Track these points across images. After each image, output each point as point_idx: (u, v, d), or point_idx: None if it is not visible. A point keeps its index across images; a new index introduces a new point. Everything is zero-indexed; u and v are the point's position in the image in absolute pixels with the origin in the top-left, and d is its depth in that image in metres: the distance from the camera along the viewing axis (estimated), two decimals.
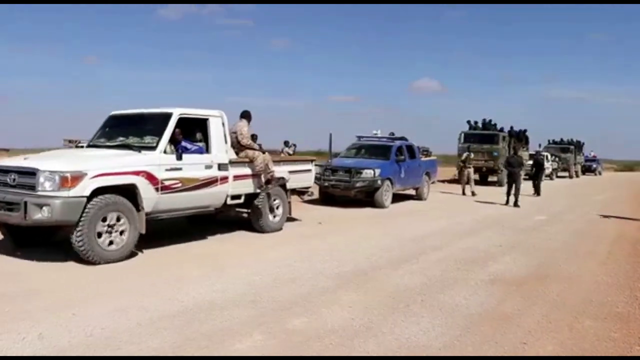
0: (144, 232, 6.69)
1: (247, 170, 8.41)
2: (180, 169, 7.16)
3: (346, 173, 13.26)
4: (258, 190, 8.59)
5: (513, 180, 14.89)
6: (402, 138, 15.80)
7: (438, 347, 4.04)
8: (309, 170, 10.13)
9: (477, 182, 23.38)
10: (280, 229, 9.10)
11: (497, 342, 4.17)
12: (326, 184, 13.48)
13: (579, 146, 39.29)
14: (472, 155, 18.62)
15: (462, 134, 24.71)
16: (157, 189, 6.86)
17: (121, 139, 7.50)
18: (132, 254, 6.71)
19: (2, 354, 3.67)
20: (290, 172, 9.48)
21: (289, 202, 9.50)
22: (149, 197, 6.76)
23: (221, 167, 7.86)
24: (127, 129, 7.70)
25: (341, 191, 13.45)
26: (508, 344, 4.16)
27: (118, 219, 6.41)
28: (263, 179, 8.55)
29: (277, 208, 9.15)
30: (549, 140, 37.67)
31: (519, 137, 26.42)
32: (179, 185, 7.16)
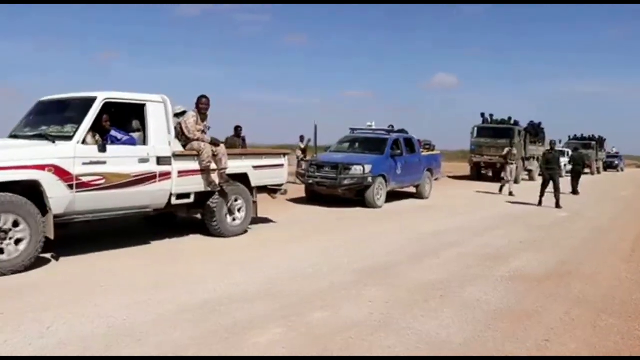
0: (52, 237, 5.79)
1: (198, 165, 7.32)
2: (104, 162, 6.16)
3: (333, 169, 11.97)
4: (213, 189, 7.49)
5: (551, 179, 13.41)
6: (401, 131, 14.65)
7: (458, 343, 4.02)
8: (281, 166, 8.77)
9: (489, 179, 22.67)
10: (244, 232, 8.05)
11: (519, 339, 4.13)
12: (311, 181, 12.24)
13: (600, 142, 38.66)
14: (515, 151, 17.11)
15: (475, 128, 23.58)
16: (71, 187, 5.84)
17: (43, 127, 6.46)
18: (148, 252, 6.77)
19: (29, 343, 3.73)
20: (256, 167, 8.28)
21: (255, 202, 8.37)
22: (60, 196, 5.77)
23: (161, 160, 6.80)
24: (52, 117, 6.69)
25: (327, 189, 12.14)
26: (530, 341, 4.11)
27: (16, 223, 5.45)
28: (217, 175, 7.44)
29: (239, 210, 8.00)
30: (569, 136, 37.22)
31: (536, 131, 25.37)
32: (102, 181, 6.14)
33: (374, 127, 14.63)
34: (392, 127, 14.85)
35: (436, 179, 15.82)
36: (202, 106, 7.60)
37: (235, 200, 7.94)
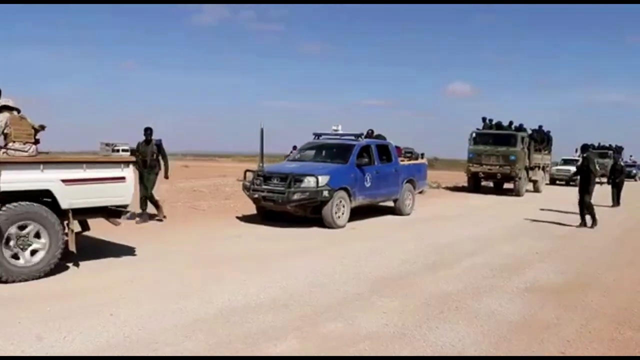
0: None
1: None
2: None
3: (282, 181, 10.01)
4: None
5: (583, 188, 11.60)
6: (379, 136, 12.96)
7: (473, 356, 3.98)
8: (120, 179, 6.27)
9: (490, 191, 21.01)
10: (42, 275, 5.64)
11: (534, 352, 4.09)
12: (256, 195, 10.17)
13: (618, 151, 38.13)
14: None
15: (474, 134, 20.97)
16: None
17: None
18: (165, 260, 6.81)
19: (45, 353, 3.78)
20: (69, 181, 5.83)
21: (70, 231, 5.99)
22: None
23: None
24: None
25: (275, 205, 10.10)
26: (546, 353, 4.07)
27: None
28: None
29: (39, 242, 5.67)
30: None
31: (542, 138, 23.00)
32: None
33: (340, 132, 12.36)
34: (372, 131, 13.15)
35: (420, 192, 14.06)
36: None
37: (21, 229, 5.55)
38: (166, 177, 10.17)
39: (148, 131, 9.89)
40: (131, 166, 6.53)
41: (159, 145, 9.97)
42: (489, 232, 10.26)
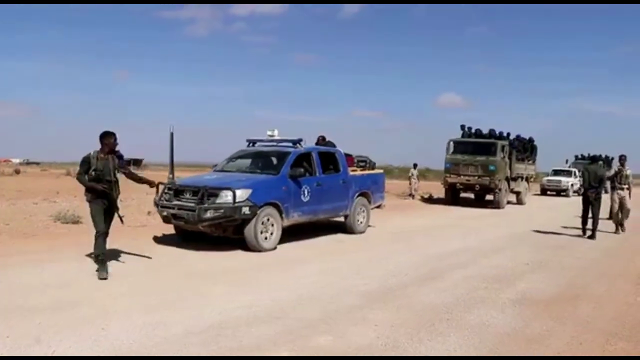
0: None
1: None
2: None
3: (194, 196, 8.39)
4: None
5: (589, 203, 11.46)
6: (328, 143, 11.29)
7: None
8: None
9: (470, 203, 20.32)
10: None
11: None
12: (165, 212, 8.54)
13: (607, 161, 38.45)
14: (629, 171, 12.75)
15: (451, 143, 19.87)
16: None
17: None
18: (159, 272, 6.77)
19: None
20: None
21: None
22: None
23: None
24: None
25: (186, 224, 8.44)
26: None
27: None
28: None
29: None
30: (576, 156, 37.00)
31: (524, 147, 22.22)
32: None
33: (277, 138, 10.60)
34: (323, 137, 11.56)
35: (378, 207, 12.27)
36: None
37: None
38: None
39: (110, 137, 6.63)
40: None
41: (120, 156, 7.28)
42: (478, 244, 10.28)
